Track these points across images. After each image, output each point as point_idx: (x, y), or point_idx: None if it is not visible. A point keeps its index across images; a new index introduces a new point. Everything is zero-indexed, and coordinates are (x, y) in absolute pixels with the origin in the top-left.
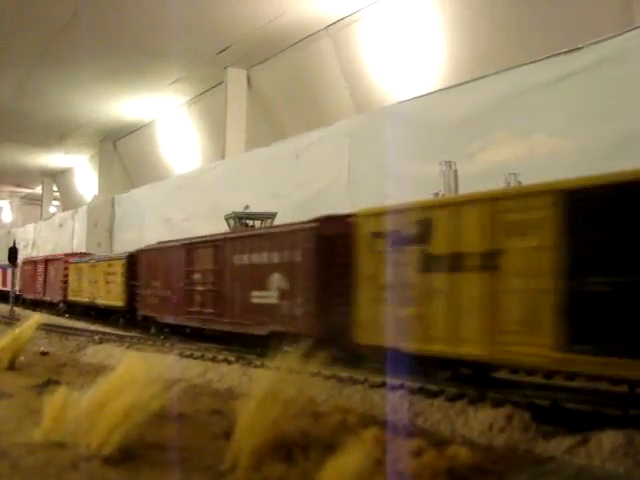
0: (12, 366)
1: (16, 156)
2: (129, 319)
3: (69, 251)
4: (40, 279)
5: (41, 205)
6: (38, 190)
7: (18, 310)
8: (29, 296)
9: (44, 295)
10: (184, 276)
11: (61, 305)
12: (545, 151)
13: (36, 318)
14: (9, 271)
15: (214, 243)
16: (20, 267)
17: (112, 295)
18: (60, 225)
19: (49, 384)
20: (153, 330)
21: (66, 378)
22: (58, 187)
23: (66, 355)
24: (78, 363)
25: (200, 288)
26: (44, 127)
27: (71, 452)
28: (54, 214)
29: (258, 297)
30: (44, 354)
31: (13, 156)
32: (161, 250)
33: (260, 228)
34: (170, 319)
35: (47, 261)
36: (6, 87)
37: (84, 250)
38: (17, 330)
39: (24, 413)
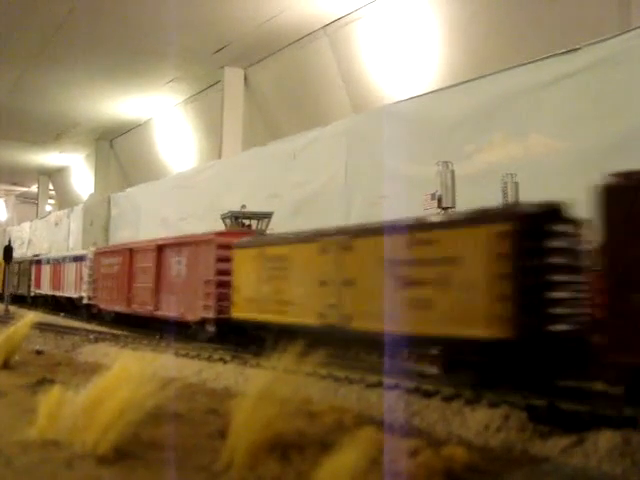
0: (6, 365)
1: (12, 154)
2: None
3: (65, 251)
4: (144, 280)
5: (37, 204)
6: (34, 188)
7: (17, 310)
8: (112, 308)
9: (156, 309)
10: None
11: (209, 328)
12: (542, 152)
13: (31, 317)
14: (65, 266)
15: None
16: (91, 261)
17: (438, 312)
18: (56, 224)
19: (44, 383)
20: None
21: (61, 377)
22: (54, 186)
23: (61, 354)
24: (73, 362)
25: None
26: (40, 125)
27: (66, 451)
28: (50, 213)
29: None
30: (39, 353)
31: (9, 154)
32: None
33: None
34: None
35: (161, 247)
36: (2, 85)
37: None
38: (12, 329)
39: (18, 412)
